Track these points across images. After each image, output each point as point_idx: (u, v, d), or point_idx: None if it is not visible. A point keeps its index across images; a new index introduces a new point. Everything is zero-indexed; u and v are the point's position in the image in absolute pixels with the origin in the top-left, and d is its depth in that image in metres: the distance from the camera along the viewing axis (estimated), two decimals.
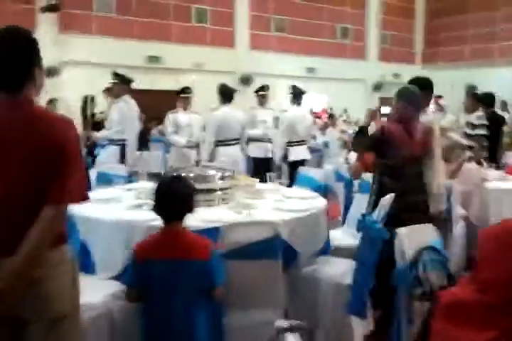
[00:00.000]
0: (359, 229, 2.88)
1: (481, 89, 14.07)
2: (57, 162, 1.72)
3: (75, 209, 2.68)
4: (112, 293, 2.65)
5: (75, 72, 11.64)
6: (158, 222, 2.76)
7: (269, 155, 7.00)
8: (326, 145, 9.08)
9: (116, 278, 2.76)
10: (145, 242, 2.29)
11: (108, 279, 2.75)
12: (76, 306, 1.89)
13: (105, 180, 3.95)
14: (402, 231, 2.16)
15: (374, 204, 3.04)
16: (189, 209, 2.27)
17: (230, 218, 2.63)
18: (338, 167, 5.08)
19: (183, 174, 3.17)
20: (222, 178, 3.30)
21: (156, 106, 9.96)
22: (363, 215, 2.93)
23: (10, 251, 1.67)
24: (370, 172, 3.42)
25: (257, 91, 7.08)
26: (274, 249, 2.40)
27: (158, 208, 2.31)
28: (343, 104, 15.45)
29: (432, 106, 9.66)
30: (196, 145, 6.62)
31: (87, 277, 2.66)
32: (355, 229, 3.78)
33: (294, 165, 6.02)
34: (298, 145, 6.22)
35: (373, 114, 3.51)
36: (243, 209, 2.98)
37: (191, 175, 3.26)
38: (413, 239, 2.13)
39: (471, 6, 18.27)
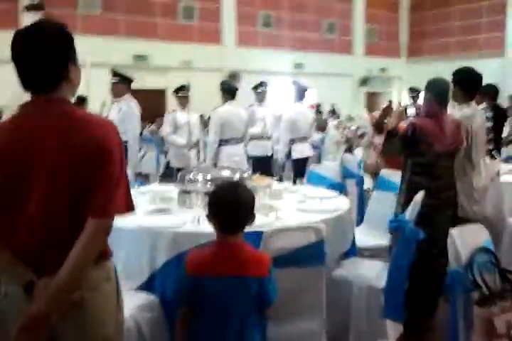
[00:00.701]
0: (392, 230, 2.77)
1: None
2: (100, 169, 1.55)
3: None
4: (139, 305, 2.52)
5: None
6: (183, 228, 2.65)
7: (269, 154, 6.88)
8: (322, 141, 8.97)
9: (141, 288, 2.63)
10: (199, 255, 2.07)
11: (132, 290, 2.61)
12: (120, 329, 1.73)
13: None
14: (455, 232, 2.05)
15: (404, 204, 2.93)
16: (251, 219, 2.06)
17: (265, 222, 2.51)
18: (348, 163, 4.96)
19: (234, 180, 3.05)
20: (240, 179, 3.16)
21: (144, 105, 9.80)
22: (395, 215, 2.82)
23: (54, 269, 1.51)
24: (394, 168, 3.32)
25: (255, 88, 6.95)
26: (319, 254, 2.27)
27: (216, 218, 2.04)
28: (330, 99, 15.38)
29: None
30: (196, 145, 6.48)
31: None
32: (378, 228, 3.71)
33: (298, 163, 5.90)
34: (300, 142, 6.07)
35: (400, 115, 3.38)
36: (268, 211, 2.86)
37: (207, 177, 3.14)
38: (466, 239, 2.03)
39: None
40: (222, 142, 5.47)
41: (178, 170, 6.26)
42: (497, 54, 16.41)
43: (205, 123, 10.88)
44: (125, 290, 2.60)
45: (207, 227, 2.24)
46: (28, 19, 11.18)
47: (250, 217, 2.04)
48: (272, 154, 6.93)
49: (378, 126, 3.44)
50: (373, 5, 18.78)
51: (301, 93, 6.15)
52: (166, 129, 6.37)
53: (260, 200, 3.16)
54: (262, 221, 2.55)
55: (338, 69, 17.04)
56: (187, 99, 6.38)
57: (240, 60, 14.57)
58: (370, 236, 3.63)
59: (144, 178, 7.95)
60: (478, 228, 2.20)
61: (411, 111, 3.63)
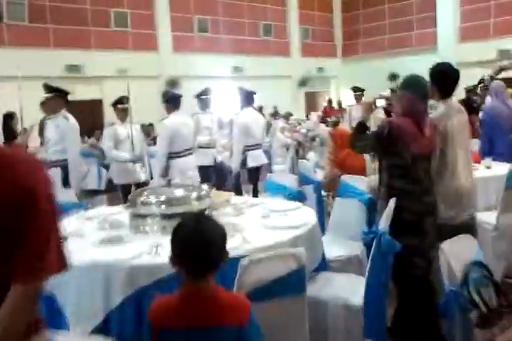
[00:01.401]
0: (365, 242, 2.59)
1: (403, 77, 14.45)
2: (26, 223, 1.23)
3: None
4: None
5: None
6: (140, 260, 2.36)
7: (216, 162, 6.65)
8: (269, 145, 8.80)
9: (96, 331, 2.32)
10: (164, 304, 1.75)
11: (86, 333, 2.31)
12: None
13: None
14: (446, 246, 1.88)
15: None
16: (223, 257, 1.73)
17: (232, 246, 2.25)
18: (304, 169, 4.79)
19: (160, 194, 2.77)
20: (198, 198, 2.90)
21: (80, 117, 9.38)
22: (369, 225, 2.64)
23: None
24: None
25: (198, 96, 6.68)
26: (300, 282, 2.05)
27: (182, 261, 1.71)
28: (271, 102, 15.30)
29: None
30: (139, 159, 6.12)
31: (60, 337, 2.20)
32: (344, 236, 3.54)
33: (252, 171, 5.66)
34: (255, 149, 5.79)
35: (369, 108, 3.17)
36: (232, 231, 2.61)
37: (162, 198, 2.86)
38: (457, 254, 1.86)
39: None
40: (173, 154, 5.15)
41: (123, 186, 5.92)
42: (429, 50, 16.80)
43: (147, 133, 10.50)
44: (78, 334, 2.32)
45: (166, 258, 1.97)
46: None
47: (222, 255, 1.73)
48: (218, 162, 6.72)
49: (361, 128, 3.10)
50: (306, 6, 18.92)
51: (248, 98, 5.88)
52: (106, 144, 5.97)
53: (221, 218, 2.92)
54: (228, 244, 2.31)
55: (276, 71, 17.03)
56: (127, 112, 6.02)
57: (177, 66, 14.26)
58: (337, 245, 3.44)
59: (90, 195, 7.51)
60: (467, 239, 2.04)
61: (380, 103, 3.48)
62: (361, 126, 2.98)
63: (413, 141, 2.81)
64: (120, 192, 5.95)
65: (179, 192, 2.94)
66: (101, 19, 13.42)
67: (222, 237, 1.75)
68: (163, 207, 2.79)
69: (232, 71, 16.05)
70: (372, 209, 3.33)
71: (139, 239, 2.68)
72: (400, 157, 2.84)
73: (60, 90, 4.86)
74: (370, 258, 2.53)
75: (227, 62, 15.86)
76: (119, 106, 5.98)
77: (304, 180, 4.56)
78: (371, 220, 3.26)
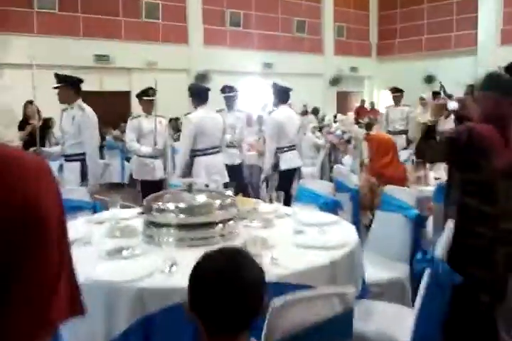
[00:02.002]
0: (417, 270, 2.18)
1: (440, 79, 13.90)
2: (26, 252, 0.87)
3: None
4: None
5: (16, 75, 10.53)
6: (150, 280, 2.01)
7: (237, 162, 6.27)
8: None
9: None
10: None
11: None
12: None
13: (67, 208, 3.01)
14: None
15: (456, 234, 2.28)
16: (261, 310, 1.27)
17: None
18: (340, 175, 4.38)
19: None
20: (222, 207, 2.53)
21: (106, 108, 9.05)
22: (416, 245, 2.22)
23: None
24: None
25: (224, 92, 6.29)
26: (345, 328, 1.66)
27: (205, 315, 1.25)
28: (301, 100, 14.87)
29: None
30: (161, 154, 5.77)
31: None
32: (384, 255, 3.13)
33: (284, 174, 5.20)
34: (289, 150, 5.31)
35: (439, 110, 2.71)
36: (260, 248, 2.23)
37: (181, 205, 2.50)
38: None
39: None
40: (198, 152, 4.77)
41: (142, 182, 5.59)
42: (468, 52, 16.16)
43: (175, 127, 10.18)
44: None
45: (181, 279, 1.60)
46: None
47: (259, 306, 1.26)
48: (241, 162, 6.36)
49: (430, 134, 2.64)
50: (342, 4, 18.40)
51: (283, 95, 5.39)
52: (128, 136, 5.63)
53: (246, 231, 2.56)
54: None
55: (307, 68, 16.57)
56: (152, 104, 5.67)
57: (207, 60, 13.94)
58: (376, 266, 3.02)
59: (112, 189, 7.22)
60: None
61: (452, 105, 3.06)
62: (430, 131, 2.52)
63: (496, 153, 2.34)
64: (138, 188, 5.63)
65: (201, 199, 2.57)
66: (132, 9, 13.17)
67: (259, 283, 1.28)
68: (181, 215, 2.42)
69: (262, 67, 15.67)
70: (420, 227, 2.91)
71: (151, 251, 2.32)
72: (478, 171, 2.36)
73: (70, 79, 4.52)
74: (422, 290, 2.12)
75: (257, 57, 15.49)
76: (145, 98, 5.65)
77: (339, 187, 4.15)
78: (418, 240, 2.85)
